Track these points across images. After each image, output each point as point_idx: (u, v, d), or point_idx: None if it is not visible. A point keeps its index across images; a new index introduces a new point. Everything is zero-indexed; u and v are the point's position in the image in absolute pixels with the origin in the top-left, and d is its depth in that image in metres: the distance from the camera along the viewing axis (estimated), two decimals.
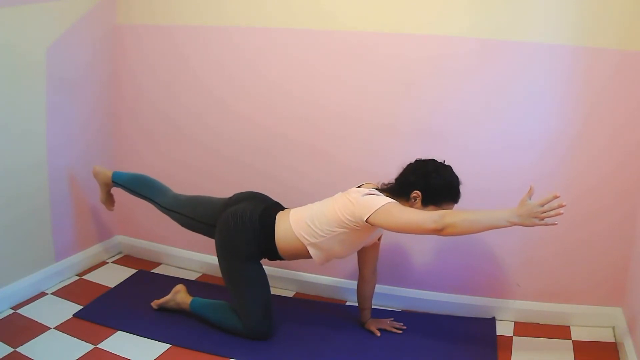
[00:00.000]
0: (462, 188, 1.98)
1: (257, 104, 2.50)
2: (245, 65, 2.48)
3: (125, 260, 2.86)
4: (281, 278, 2.57)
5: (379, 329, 2.22)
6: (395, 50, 2.26)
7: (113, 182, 2.47)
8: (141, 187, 2.41)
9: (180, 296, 2.29)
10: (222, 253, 2.15)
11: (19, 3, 2.18)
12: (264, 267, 2.16)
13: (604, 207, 2.18)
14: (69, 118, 2.54)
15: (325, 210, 2.00)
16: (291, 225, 2.04)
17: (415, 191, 1.93)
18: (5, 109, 2.21)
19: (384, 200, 1.88)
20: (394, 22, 2.23)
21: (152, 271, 2.75)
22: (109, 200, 2.58)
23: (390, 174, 2.05)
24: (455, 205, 1.98)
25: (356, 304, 2.28)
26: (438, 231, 1.73)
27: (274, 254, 2.11)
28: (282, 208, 2.18)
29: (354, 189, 2.01)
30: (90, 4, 2.52)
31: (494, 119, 2.21)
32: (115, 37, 2.68)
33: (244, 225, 2.08)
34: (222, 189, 2.45)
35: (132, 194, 2.44)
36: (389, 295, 2.43)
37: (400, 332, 2.23)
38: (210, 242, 2.23)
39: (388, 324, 2.25)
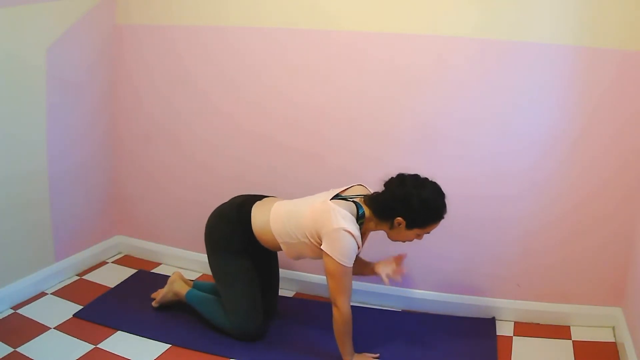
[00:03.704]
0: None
1: (255, 107, 2.50)
2: (243, 65, 2.48)
3: (125, 260, 2.86)
4: (281, 278, 2.55)
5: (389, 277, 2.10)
6: (395, 51, 2.25)
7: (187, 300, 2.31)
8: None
9: (177, 285, 2.31)
10: (207, 251, 2.19)
11: (19, 3, 2.18)
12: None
13: (605, 208, 2.17)
14: (69, 117, 2.53)
15: (302, 213, 1.99)
16: (269, 220, 2.04)
17: (398, 218, 1.91)
18: (6, 109, 2.21)
19: (347, 255, 1.87)
20: (394, 22, 2.23)
21: (152, 271, 2.74)
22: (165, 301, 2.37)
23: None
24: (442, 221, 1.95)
25: (356, 305, 2.26)
26: (335, 308, 1.92)
27: (257, 244, 2.11)
28: (263, 197, 2.18)
29: (336, 207, 1.92)
30: (90, 4, 2.52)
31: (494, 120, 2.20)
32: (115, 37, 2.68)
33: (222, 219, 2.14)
34: (222, 188, 2.45)
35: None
36: (389, 295, 2.43)
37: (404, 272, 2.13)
38: None
39: (395, 260, 2.11)
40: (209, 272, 2.68)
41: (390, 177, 1.98)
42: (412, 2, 2.19)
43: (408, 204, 1.88)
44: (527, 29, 2.10)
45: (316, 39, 2.34)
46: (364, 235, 2.03)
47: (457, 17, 2.15)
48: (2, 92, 2.19)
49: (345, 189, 2.05)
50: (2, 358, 1.94)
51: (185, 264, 2.77)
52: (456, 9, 2.15)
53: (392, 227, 1.94)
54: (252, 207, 2.11)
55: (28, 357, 1.96)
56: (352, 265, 1.91)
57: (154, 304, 2.34)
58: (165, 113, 2.68)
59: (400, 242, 2.02)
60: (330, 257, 1.88)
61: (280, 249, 2.09)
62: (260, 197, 2.18)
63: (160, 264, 2.83)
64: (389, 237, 2.01)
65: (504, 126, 2.20)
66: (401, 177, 1.95)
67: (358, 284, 2.26)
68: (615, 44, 2.02)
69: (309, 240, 1.97)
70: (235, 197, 2.23)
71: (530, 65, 2.13)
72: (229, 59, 2.50)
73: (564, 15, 2.05)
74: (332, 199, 1.98)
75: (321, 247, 1.91)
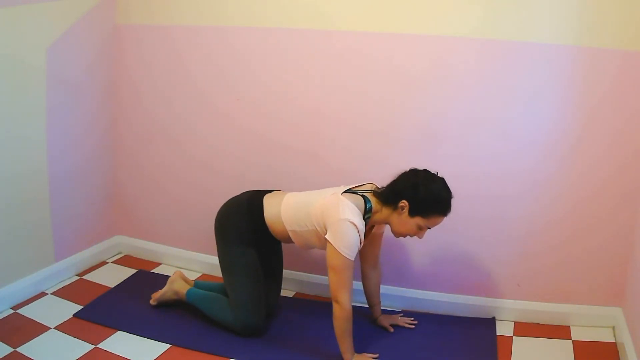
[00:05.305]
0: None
1: (255, 107, 2.49)
2: (243, 65, 2.47)
3: (125, 260, 2.86)
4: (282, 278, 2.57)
5: (392, 325, 2.26)
6: (395, 51, 2.25)
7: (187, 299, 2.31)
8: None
9: (177, 285, 2.32)
10: (217, 240, 2.21)
11: (19, 3, 2.18)
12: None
13: (605, 208, 2.18)
14: (69, 117, 2.53)
15: (312, 204, 2.04)
16: (281, 209, 2.09)
17: (403, 201, 1.93)
18: (6, 109, 2.21)
19: (350, 246, 1.90)
20: (394, 22, 2.23)
21: (152, 271, 2.74)
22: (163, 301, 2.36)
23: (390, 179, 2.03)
24: (445, 218, 1.95)
25: (356, 305, 2.26)
26: (335, 304, 1.93)
27: (267, 235, 2.14)
28: (273, 191, 2.22)
29: (345, 199, 1.96)
30: (90, 4, 2.52)
31: (494, 120, 2.20)
32: (115, 37, 2.68)
33: (232, 209, 2.18)
34: (222, 188, 2.45)
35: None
36: (389, 295, 2.42)
37: (413, 326, 2.27)
38: (211, 242, 2.24)
39: (399, 319, 2.29)
40: (209, 271, 2.71)
41: (403, 171, 2.01)
42: (412, 2, 2.19)
43: (415, 189, 1.92)
44: (527, 29, 2.10)
45: (316, 39, 2.34)
46: (370, 229, 2.06)
47: (457, 17, 2.15)
48: (2, 92, 2.19)
49: (357, 186, 2.08)
50: (2, 358, 1.94)
51: (185, 264, 2.77)
52: (456, 9, 2.15)
53: (395, 209, 1.95)
54: (262, 199, 2.15)
55: (28, 357, 1.96)
56: (353, 259, 1.93)
57: (151, 301, 2.35)
58: (165, 113, 2.68)
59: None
60: (333, 246, 1.90)
61: (290, 240, 2.12)
62: (269, 191, 2.23)
63: (160, 264, 2.83)
64: (393, 229, 2.01)
65: (504, 126, 2.20)
66: (414, 170, 2.00)
67: (358, 284, 2.26)
68: (615, 44, 2.02)
69: (316, 228, 2.00)
70: (243, 193, 2.26)
71: (530, 65, 2.13)
72: (229, 59, 2.50)
73: (565, 15, 2.05)
74: (342, 192, 2.01)
75: (325, 236, 1.93)
